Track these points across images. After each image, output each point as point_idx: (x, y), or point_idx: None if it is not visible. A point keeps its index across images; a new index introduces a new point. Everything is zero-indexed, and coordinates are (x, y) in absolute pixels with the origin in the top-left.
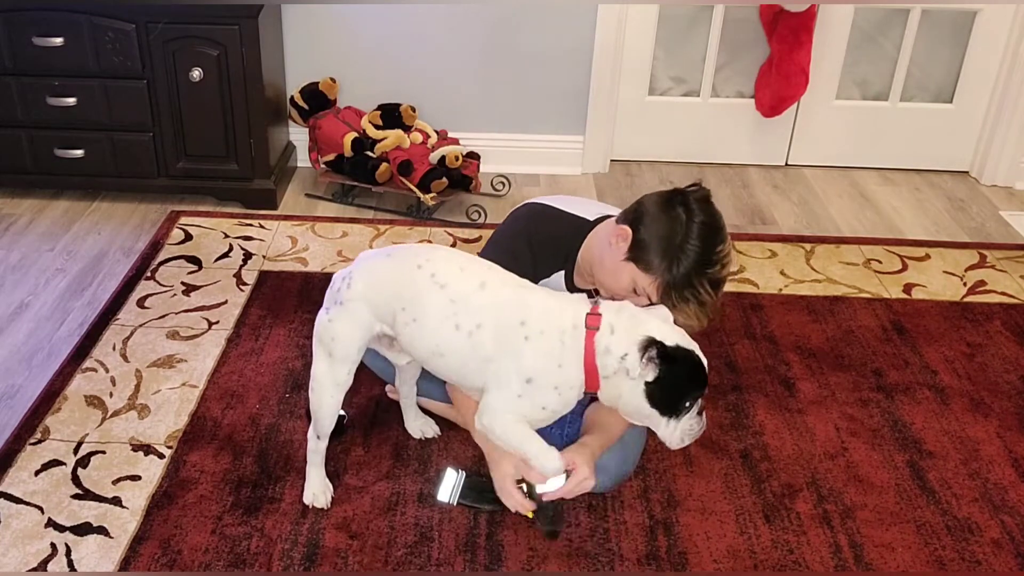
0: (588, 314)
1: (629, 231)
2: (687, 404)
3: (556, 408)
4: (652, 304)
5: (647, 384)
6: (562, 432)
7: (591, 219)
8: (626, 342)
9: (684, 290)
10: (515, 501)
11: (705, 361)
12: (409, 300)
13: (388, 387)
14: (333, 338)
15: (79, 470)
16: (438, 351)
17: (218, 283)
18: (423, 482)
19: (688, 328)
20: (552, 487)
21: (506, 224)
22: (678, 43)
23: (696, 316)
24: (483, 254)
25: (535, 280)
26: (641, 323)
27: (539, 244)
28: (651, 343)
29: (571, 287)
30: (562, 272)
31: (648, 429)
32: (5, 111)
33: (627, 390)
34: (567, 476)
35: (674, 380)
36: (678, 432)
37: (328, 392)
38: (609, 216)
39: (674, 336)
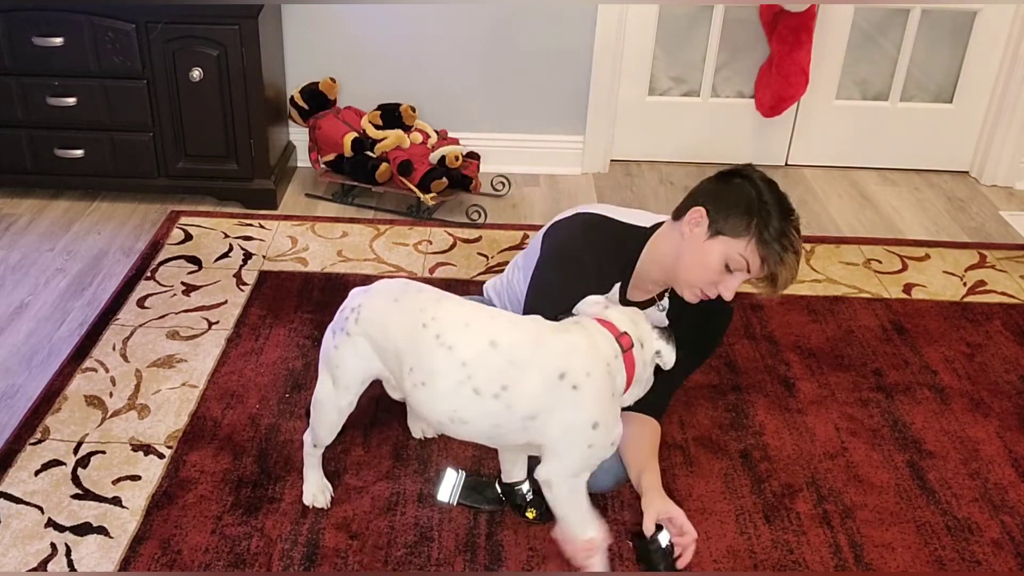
0: (617, 338)
1: (703, 210)
2: None
3: (616, 437)
4: (748, 273)
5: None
6: None
7: (647, 227)
8: (649, 343)
9: (781, 239)
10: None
11: None
12: (416, 361)
13: None
14: (337, 366)
15: (79, 470)
16: (458, 417)
17: (218, 283)
18: (423, 482)
19: (787, 282)
20: (664, 541)
21: (563, 234)
22: (678, 43)
23: (795, 266)
24: (542, 265)
25: (598, 292)
26: (638, 318)
27: (603, 256)
28: (668, 330)
29: (624, 300)
30: (619, 284)
31: None
32: (5, 111)
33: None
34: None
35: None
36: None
37: (330, 415)
38: (663, 222)
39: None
